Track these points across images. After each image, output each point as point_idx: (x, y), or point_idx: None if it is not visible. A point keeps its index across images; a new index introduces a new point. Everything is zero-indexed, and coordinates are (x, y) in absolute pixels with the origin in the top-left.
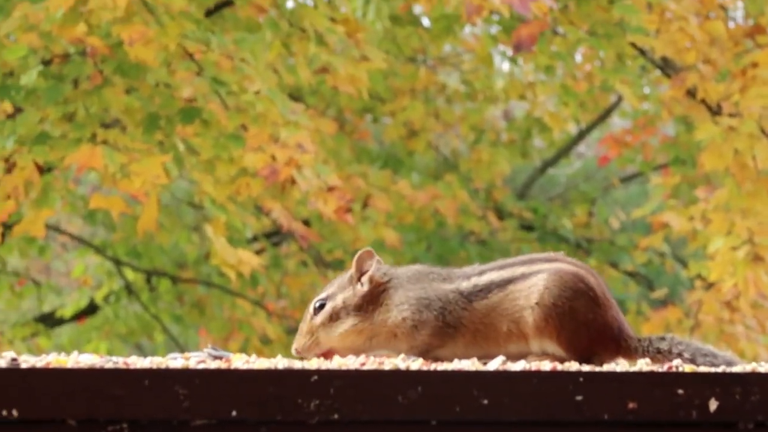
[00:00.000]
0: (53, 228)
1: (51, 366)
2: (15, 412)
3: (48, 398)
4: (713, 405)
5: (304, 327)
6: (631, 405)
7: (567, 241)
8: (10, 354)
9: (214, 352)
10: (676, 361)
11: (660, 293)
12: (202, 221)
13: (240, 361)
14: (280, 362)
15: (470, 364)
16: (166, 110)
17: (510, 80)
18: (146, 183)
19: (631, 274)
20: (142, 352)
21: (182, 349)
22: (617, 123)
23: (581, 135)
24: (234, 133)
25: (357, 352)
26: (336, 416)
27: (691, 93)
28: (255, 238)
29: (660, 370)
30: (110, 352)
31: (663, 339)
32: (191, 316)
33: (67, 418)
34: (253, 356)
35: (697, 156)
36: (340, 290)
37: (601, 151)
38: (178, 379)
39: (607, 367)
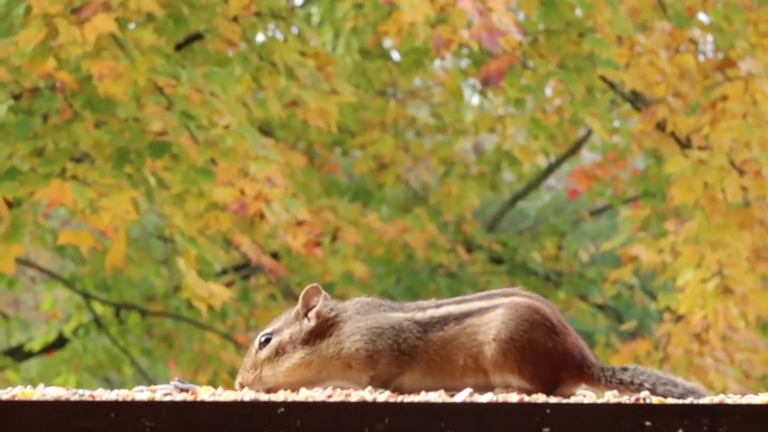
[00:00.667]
0: (22, 261)
1: (17, 398)
2: None
3: (14, 431)
4: None
5: (248, 361)
6: None
7: (536, 274)
8: None
9: (180, 385)
10: (644, 393)
11: (629, 326)
12: (172, 254)
13: (206, 394)
14: (246, 395)
15: (437, 396)
16: (135, 144)
17: (480, 113)
18: (115, 218)
19: (600, 307)
20: (111, 386)
21: (151, 382)
22: (587, 156)
23: (551, 168)
24: (203, 168)
25: (305, 386)
26: None
27: (660, 126)
28: (224, 272)
29: (627, 401)
30: (79, 385)
31: (625, 369)
32: (160, 349)
33: None
34: (220, 389)
35: (666, 189)
36: (286, 325)
37: (570, 185)
38: (145, 411)
39: (574, 399)
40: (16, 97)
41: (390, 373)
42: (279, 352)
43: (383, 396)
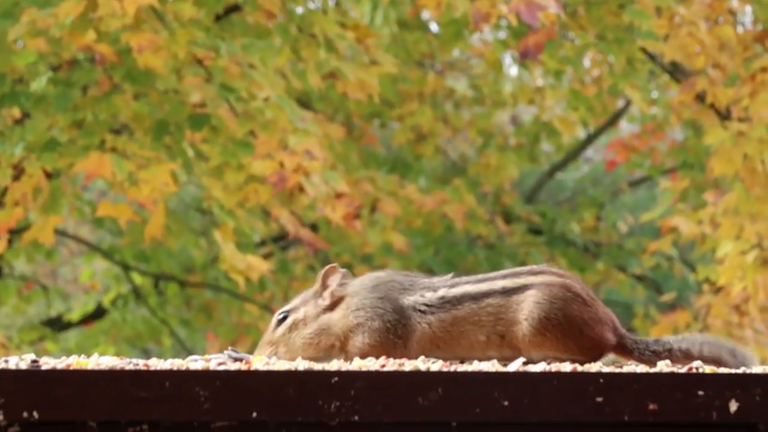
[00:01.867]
0: (61, 233)
1: (72, 368)
2: (36, 414)
3: (69, 400)
4: (733, 406)
5: (265, 338)
6: (651, 406)
7: (575, 246)
8: (30, 356)
9: (234, 354)
10: (696, 363)
11: (668, 297)
12: (210, 226)
13: (260, 363)
14: (300, 364)
15: (490, 366)
16: (174, 117)
17: (519, 85)
18: (154, 190)
19: (639, 278)
20: (149, 357)
21: (189, 354)
22: (626, 128)
23: (589, 139)
24: (243, 140)
25: (320, 361)
26: (356, 418)
27: (700, 97)
28: (263, 243)
29: (681, 371)
30: (118, 357)
31: (657, 341)
32: (199, 320)
33: (87, 420)
34: (273, 358)
35: (705, 160)
36: (303, 303)
37: (609, 156)
38: (199, 380)
39: (627, 369)
40: (56, 69)
41: (368, 353)
42: (293, 329)
43: (436, 365)
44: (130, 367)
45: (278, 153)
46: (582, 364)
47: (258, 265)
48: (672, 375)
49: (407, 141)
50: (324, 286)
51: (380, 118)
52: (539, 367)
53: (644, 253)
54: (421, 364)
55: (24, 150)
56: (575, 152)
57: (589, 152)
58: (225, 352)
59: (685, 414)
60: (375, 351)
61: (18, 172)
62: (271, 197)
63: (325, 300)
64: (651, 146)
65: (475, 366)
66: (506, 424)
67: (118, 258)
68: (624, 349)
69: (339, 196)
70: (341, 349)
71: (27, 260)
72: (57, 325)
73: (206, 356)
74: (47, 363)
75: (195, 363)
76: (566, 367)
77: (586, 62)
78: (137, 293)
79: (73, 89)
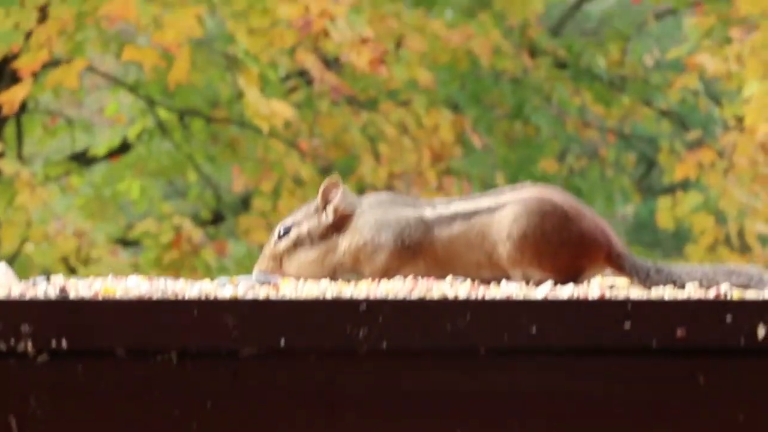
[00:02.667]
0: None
1: (100, 297)
2: (64, 342)
3: (97, 328)
4: (761, 331)
5: (267, 250)
6: (679, 332)
7: (600, 80)
8: (58, 281)
9: (262, 278)
10: (724, 288)
11: (694, 135)
12: (235, 67)
13: (288, 288)
14: (328, 290)
15: (517, 289)
16: None
17: None
18: (179, 34)
19: (665, 113)
20: (176, 190)
21: (215, 189)
22: None
23: None
24: None
25: (322, 278)
26: (384, 344)
27: None
28: (288, 77)
29: (708, 297)
30: (143, 191)
31: (660, 270)
32: (224, 156)
33: (116, 348)
34: (301, 281)
35: None
36: (306, 218)
37: None
38: (227, 308)
39: (655, 295)
40: None
41: (389, 267)
42: (297, 245)
43: (463, 291)
44: (159, 296)
45: None
46: (561, 283)
47: (282, 110)
48: (700, 301)
49: None
50: (325, 201)
51: None
52: (566, 292)
53: (670, 87)
54: (449, 290)
55: None
56: None
57: None
58: (253, 274)
59: (713, 340)
60: (392, 263)
61: (43, 15)
62: (296, 41)
63: (329, 216)
64: None
65: (503, 290)
66: (534, 350)
67: (143, 93)
68: (621, 270)
69: (364, 41)
70: (350, 268)
71: (52, 94)
72: (82, 159)
73: (234, 278)
74: (75, 287)
75: (223, 289)
76: (594, 292)
77: None
78: (162, 128)
79: None
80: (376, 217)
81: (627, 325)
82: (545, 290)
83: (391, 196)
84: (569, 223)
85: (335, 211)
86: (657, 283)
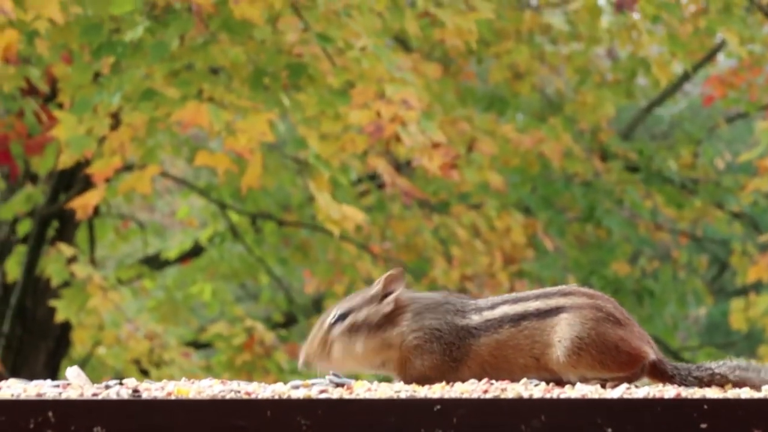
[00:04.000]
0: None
1: (172, 397)
2: None
3: (170, 429)
4: None
5: (318, 334)
6: None
7: (672, 182)
8: (132, 383)
9: (336, 380)
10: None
11: (767, 237)
12: (306, 171)
13: (362, 389)
14: (402, 391)
15: (593, 391)
16: (271, 66)
17: (615, 21)
18: (251, 140)
19: (737, 215)
20: (248, 292)
21: (286, 291)
22: (723, 62)
23: (686, 75)
24: (340, 90)
25: (364, 369)
26: None
27: None
28: (359, 180)
29: None
30: (215, 294)
31: (699, 367)
32: (296, 259)
33: None
34: (375, 383)
35: None
36: (364, 305)
37: (706, 92)
38: (301, 409)
39: (732, 394)
40: (152, 17)
41: (428, 377)
42: (351, 331)
43: (539, 391)
44: (231, 395)
45: (375, 102)
46: (626, 381)
47: (353, 215)
48: None
49: (504, 79)
50: (386, 290)
51: (477, 56)
52: (642, 393)
53: (742, 190)
54: (523, 389)
55: (121, 99)
56: (672, 88)
57: (687, 86)
58: (327, 376)
59: None
60: (433, 374)
61: (116, 121)
62: (368, 147)
63: (389, 305)
64: (748, 81)
65: (578, 391)
66: None
67: (215, 196)
68: (663, 374)
69: (436, 145)
70: (394, 367)
71: (124, 199)
72: (155, 263)
73: (307, 381)
74: (148, 389)
75: (297, 390)
76: (669, 392)
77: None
78: (234, 231)
79: (170, 38)
80: (432, 323)
81: (703, 425)
82: (620, 390)
83: (443, 298)
84: (623, 328)
85: (396, 301)
86: (701, 379)
